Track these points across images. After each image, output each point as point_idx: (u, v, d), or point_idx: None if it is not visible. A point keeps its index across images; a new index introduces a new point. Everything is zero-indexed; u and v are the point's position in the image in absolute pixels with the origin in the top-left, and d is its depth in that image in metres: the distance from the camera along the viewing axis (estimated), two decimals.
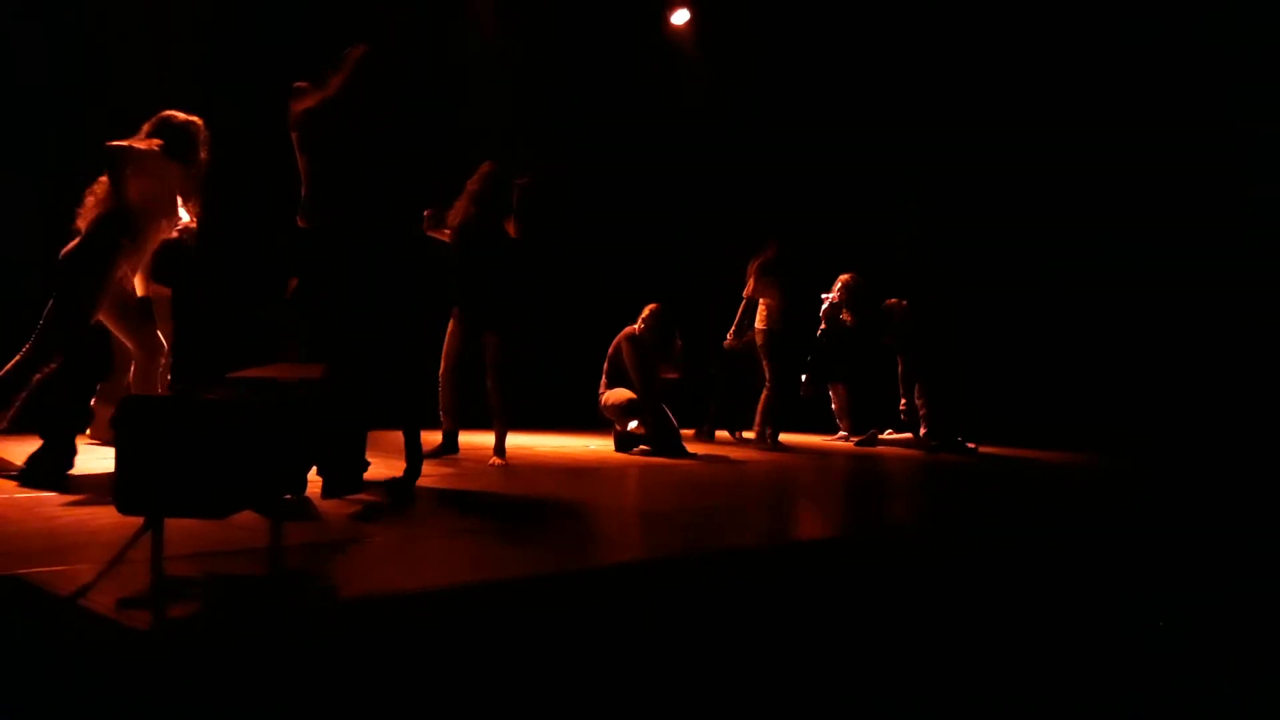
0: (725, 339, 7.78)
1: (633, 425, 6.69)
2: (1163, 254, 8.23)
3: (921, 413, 7.78)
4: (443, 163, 5.60)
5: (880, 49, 9.29)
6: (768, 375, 7.45)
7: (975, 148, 8.73)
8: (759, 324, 7.42)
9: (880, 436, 8.15)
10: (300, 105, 3.86)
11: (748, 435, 7.91)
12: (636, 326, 6.74)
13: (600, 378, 6.83)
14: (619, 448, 6.71)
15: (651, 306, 6.79)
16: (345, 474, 3.64)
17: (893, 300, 7.91)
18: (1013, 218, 8.71)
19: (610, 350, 6.80)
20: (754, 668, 2.58)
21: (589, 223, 8.69)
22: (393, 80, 4.05)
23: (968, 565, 3.54)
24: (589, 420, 7.10)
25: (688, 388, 7.32)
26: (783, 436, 7.52)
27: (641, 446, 6.68)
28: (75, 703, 1.94)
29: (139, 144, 4.26)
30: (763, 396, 7.51)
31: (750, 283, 7.50)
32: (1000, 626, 3.17)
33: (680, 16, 9.33)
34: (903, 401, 8.04)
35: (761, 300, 7.43)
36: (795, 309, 7.44)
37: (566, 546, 3.30)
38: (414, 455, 4.08)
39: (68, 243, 4.18)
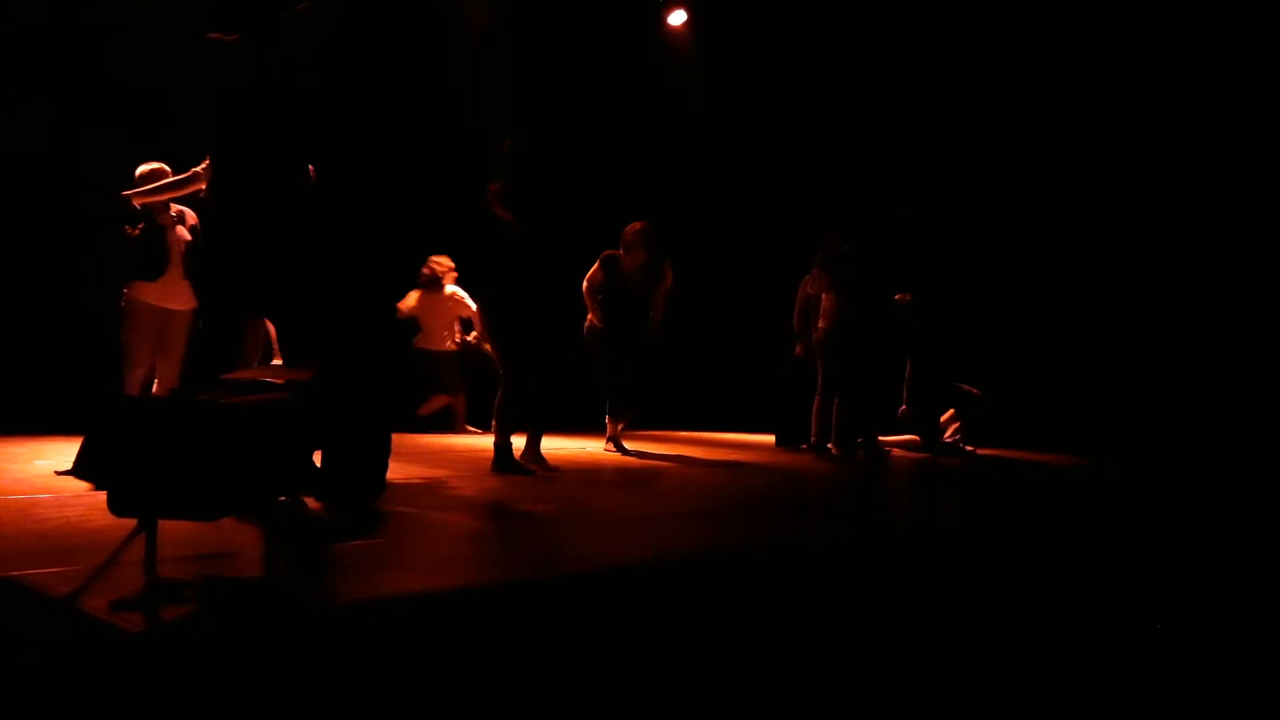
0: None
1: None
2: (1161, 255, 8.22)
3: (953, 413, 7.66)
4: (436, 168, 5.43)
5: (877, 53, 9.29)
6: (820, 378, 7.00)
7: (971, 148, 8.73)
8: (820, 321, 7.02)
9: (880, 439, 8.10)
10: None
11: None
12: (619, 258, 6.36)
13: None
14: (614, 448, 6.66)
15: (635, 226, 6.38)
16: (336, 482, 3.57)
17: (899, 295, 7.66)
18: (1013, 221, 8.72)
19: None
20: (750, 671, 2.58)
21: (585, 222, 8.65)
22: (346, 52, 3.61)
23: (959, 568, 3.55)
24: (586, 421, 7.07)
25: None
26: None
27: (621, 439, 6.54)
28: (68, 704, 1.94)
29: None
30: (815, 402, 7.12)
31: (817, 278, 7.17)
32: (993, 630, 3.17)
33: (677, 17, 9.32)
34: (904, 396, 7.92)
35: (824, 297, 7.05)
36: (856, 306, 6.88)
37: (560, 551, 3.31)
38: (367, 472, 3.64)
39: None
